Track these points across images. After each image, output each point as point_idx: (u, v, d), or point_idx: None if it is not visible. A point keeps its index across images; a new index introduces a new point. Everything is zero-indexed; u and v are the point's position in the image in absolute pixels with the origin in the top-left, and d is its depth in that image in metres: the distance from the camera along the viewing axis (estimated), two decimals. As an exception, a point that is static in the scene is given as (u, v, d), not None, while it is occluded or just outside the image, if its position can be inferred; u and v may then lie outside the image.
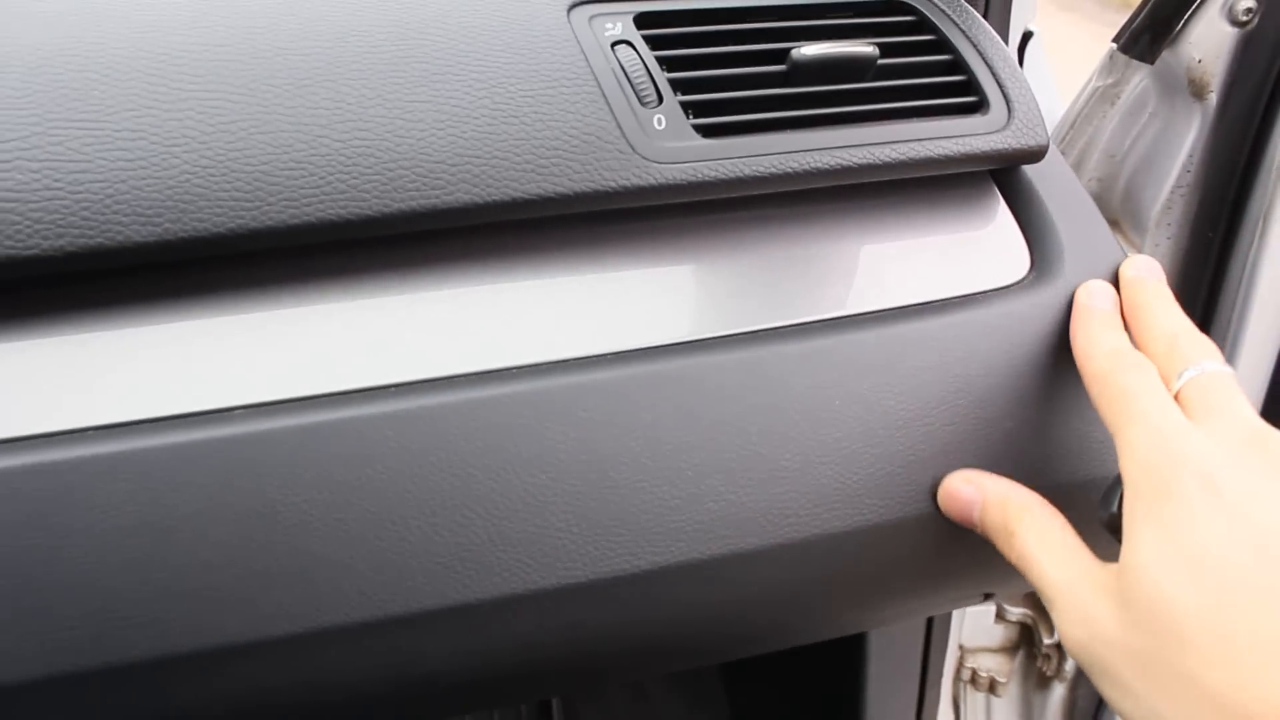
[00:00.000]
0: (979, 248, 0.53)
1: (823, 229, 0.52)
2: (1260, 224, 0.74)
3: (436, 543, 0.42)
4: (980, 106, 0.52)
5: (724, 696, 1.09)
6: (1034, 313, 0.50)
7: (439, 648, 0.45)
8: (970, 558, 0.51)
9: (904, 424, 0.48)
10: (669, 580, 0.46)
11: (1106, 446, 0.52)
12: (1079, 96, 0.81)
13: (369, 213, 0.42)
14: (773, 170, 0.48)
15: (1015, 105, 0.52)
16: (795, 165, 0.48)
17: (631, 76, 0.48)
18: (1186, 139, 0.77)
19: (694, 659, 0.58)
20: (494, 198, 0.44)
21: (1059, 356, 0.50)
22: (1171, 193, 0.79)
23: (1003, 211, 0.54)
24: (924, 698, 0.96)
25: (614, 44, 0.49)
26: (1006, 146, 0.51)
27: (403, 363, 0.44)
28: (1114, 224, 0.85)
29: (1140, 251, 0.82)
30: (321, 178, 0.41)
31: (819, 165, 0.48)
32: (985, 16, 0.68)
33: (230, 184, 0.41)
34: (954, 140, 0.50)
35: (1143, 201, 0.81)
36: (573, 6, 0.49)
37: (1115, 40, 0.76)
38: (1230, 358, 0.79)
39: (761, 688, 1.07)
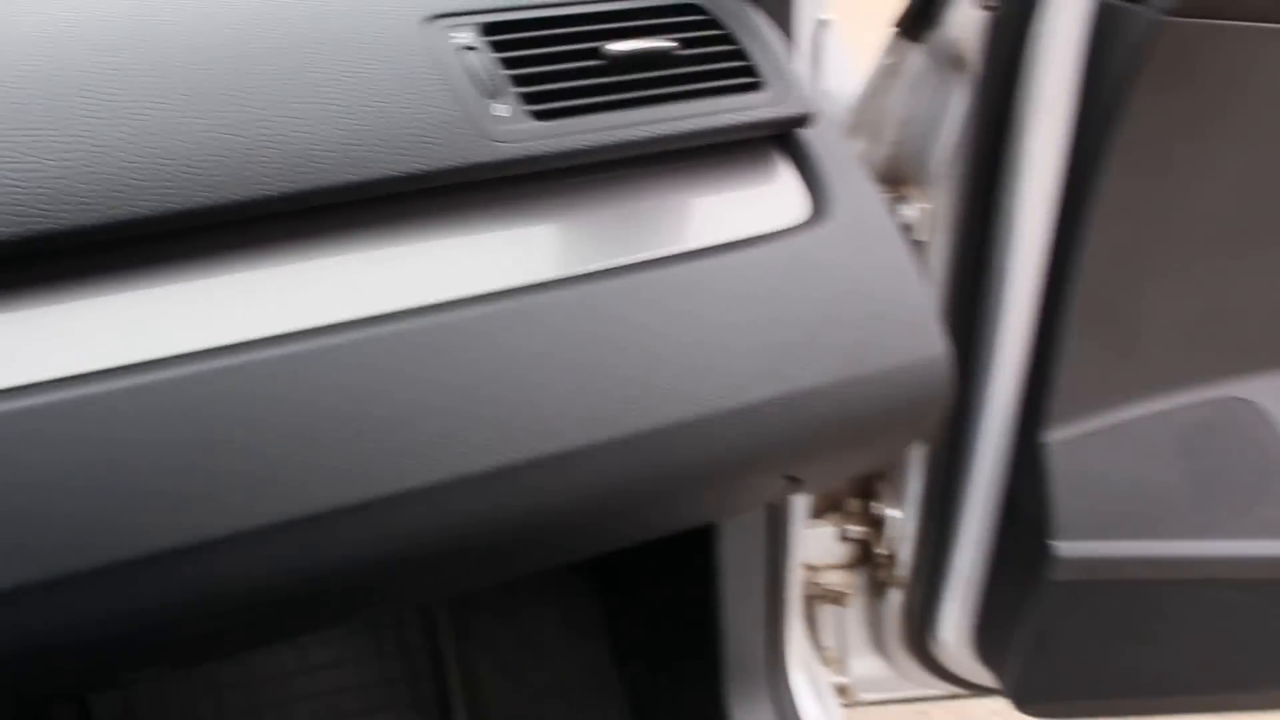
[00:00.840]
0: (771, 198, 0.69)
1: (642, 191, 0.66)
2: (1016, 170, 0.91)
3: (343, 445, 0.55)
4: (759, 86, 0.67)
5: (597, 607, 1.24)
6: (815, 243, 0.66)
7: (347, 544, 0.58)
8: (775, 441, 0.66)
9: (718, 330, 0.62)
10: (537, 471, 0.60)
11: (885, 341, 0.67)
12: (870, 74, 0.97)
13: (274, 192, 0.55)
14: (594, 144, 0.62)
15: (787, 83, 0.67)
16: (612, 139, 0.62)
17: (476, 73, 0.61)
18: (957, 104, 0.94)
19: (565, 547, 0.72)
20: (370, 176, 0.57)
21: (836, 273, 0.66)
22: (950, 150, 0.96)
23: (788, 168, 0.70)
24: (775, 597, 1.12)
25: (462, 48, 0.62)
26: (781, 115, 0.66)
27: (310, 310, 0.57)
28: (907, 180, 1.01)
29: (928, 202, 0.99)
30: (239, 164, 0.54)
31: (632, 138, 0.63)
32: (771, 12, 0.83)
33: (165, 170, 0.53)
34: (739, 112, 0.65)
35: (929, 160, 0.98)
36: (428, 19, 0.63)
37: (894, 25, 0.92)
38: (1001, 279, 0.96)
39: (626, 598, 1.21)
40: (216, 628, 0.59)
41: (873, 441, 0.72)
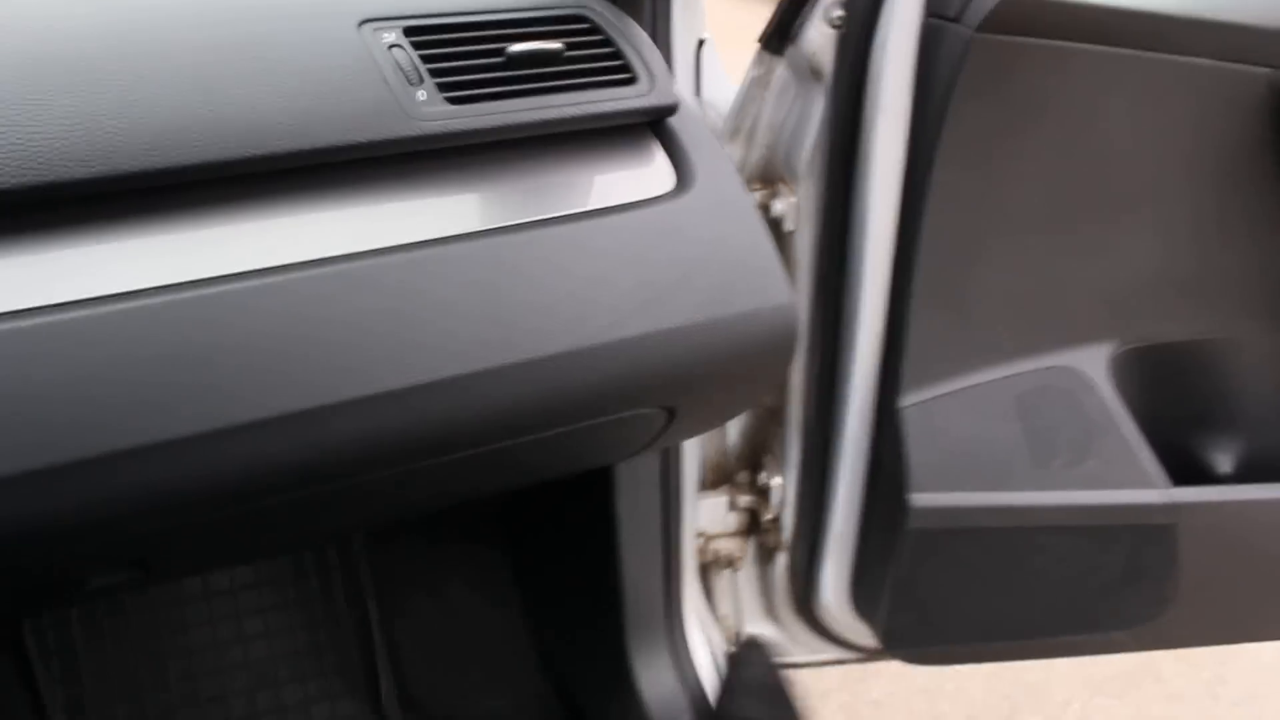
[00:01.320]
0: (643, 172, 0.85)
1: (537, 165, 0.82)
2: (866, 166, 1.09)
3: (289, 360, 0.69)
4: (633, 80, 0.84)
5: (511, 578, 1.38)
6: (679, 209, 0.83)
7: (285, 449, 0.72)
8: (649, 372, 0.82)
9: (598, 277, 0.78)
10: (449, 388, 0.74)
11: (739, 289, 0.83)
12: (741, 86, 1.15)
13: (241, 155, 0.70)
14: (497, 124, 0.78)
15: (656, 79, 0.84)
16: (512, 120, 0.78)
17: (402, 66, 0.77)
18: (816, 110, 1.11)
19: (476, 473, 0.87)
20: (319, 144, 0.72)
21: (696, 233, 0.82)
22: (812, 150, 1.13)
23: (659, 149, 0.86)
24: (670, 561, 1.26)
25: (390, 46, 0.78)
26: (650, 104, 0.83)
27: (264, 254, 0.72)
28: (778, 178, 1.19)
29: (796, 197, 1.16)
30: (213, 131, 0.69)
31: (527, 120, 0.79)
32: (653, 30, 0.99)
33: (136, 135, 0.68)
34: (615, 102, 0.82)
35: (795, 159, 1.15)
36: (361, 23, 0.78)
37: (760, 40, 1.10)
38: (859, 262, 1.13)
39: (536, 569, 1.35)
40: (163, 527, 0.72)
41: (735, 377, 0.88)
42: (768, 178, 1.18)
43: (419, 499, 0.92)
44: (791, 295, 0.86)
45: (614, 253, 0.80)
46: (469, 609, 1.41)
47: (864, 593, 1.31)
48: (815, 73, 1.10)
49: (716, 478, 1.39)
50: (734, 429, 1.38)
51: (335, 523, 0.89)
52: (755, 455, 1.37)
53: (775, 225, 1.19)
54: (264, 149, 0.71)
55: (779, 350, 0.87)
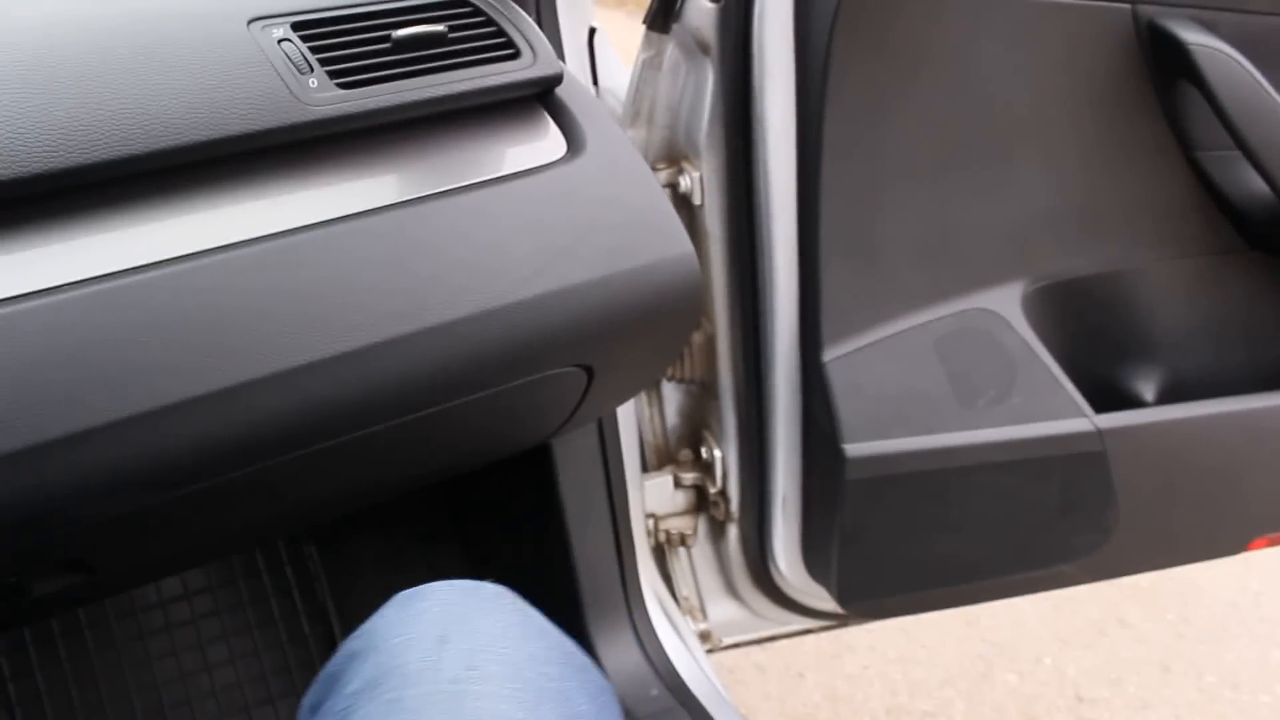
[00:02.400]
0: (535, 143, 0.90)
1: (433, 142, 0.87)
2: (763, 131, 1.15)
3: (210, 342, 0.74)
4: (517, 55, 0.89)
5: (458, 542, 1.41)
6: (571, 172, 0.88)
7: (219, 428, 0.76)
8: (560, 329, 0.87)
9: (500, 242, 0.83)
10: (361, 359, 0.79)
11: (638, 244, 0.88)
12: (634, 69, 1.21)
13: (141, 151, 0.74)
14: (388, 104, 0.83)
15: (538, 53, 0.90)
16: (402, 100, 0.84)
17: (291, 58, 0.82)
18: (708, 84, 1.17)
19: (407, 452, 0.91)
20: (219, 135, 0.77)
21: (591, 194, 0.87)
22: (709, 124, 1.19)
23: (549, 121, 0.92)
24: (621, 540, 1.30)
25: (279, 40, 0.83)
26: (535, 75, 0.89)
27: (173, 243, 0.76)
28: (684, 156, 1.24)
29: (700, 171, 1.22)
30: (111, 129, 0.74)
31: (417, 98, 0.84)
32: (538, 16, 1.05)
33: (32, 138, 0.72)
34: (501, 76, 0.87)
35: (695, 134, 1.21)
36: (250, 21, 0.83)
37: (645, 22, 1.16)
38: (768, 225, 1.18)
39: (489, 560, 1.39)
40: (95, 518, 0.75)
41: (645, 329, 0.93)
42: (672, 156, 1.24)
43: (358, 481, 0.96)
44: (689, 245, 0.91)
45: (512, 217, 0.85)
46: (405, 545, 1.43)
47: (815, 554, 1.36)
48: (703, 47, 1.16)
49: (660, 459, 1.44)
50: (671, 409, 1.43)
51: (275, 508, 0.93)
52: (695, 432, 1.42)
53: (684, 201, 1.25)
54: (163, 143, 0.75)
55: (684, 300, 0.92)
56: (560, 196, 0.87)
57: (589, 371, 0.94)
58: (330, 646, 1.41)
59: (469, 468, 1.12)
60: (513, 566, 1.39)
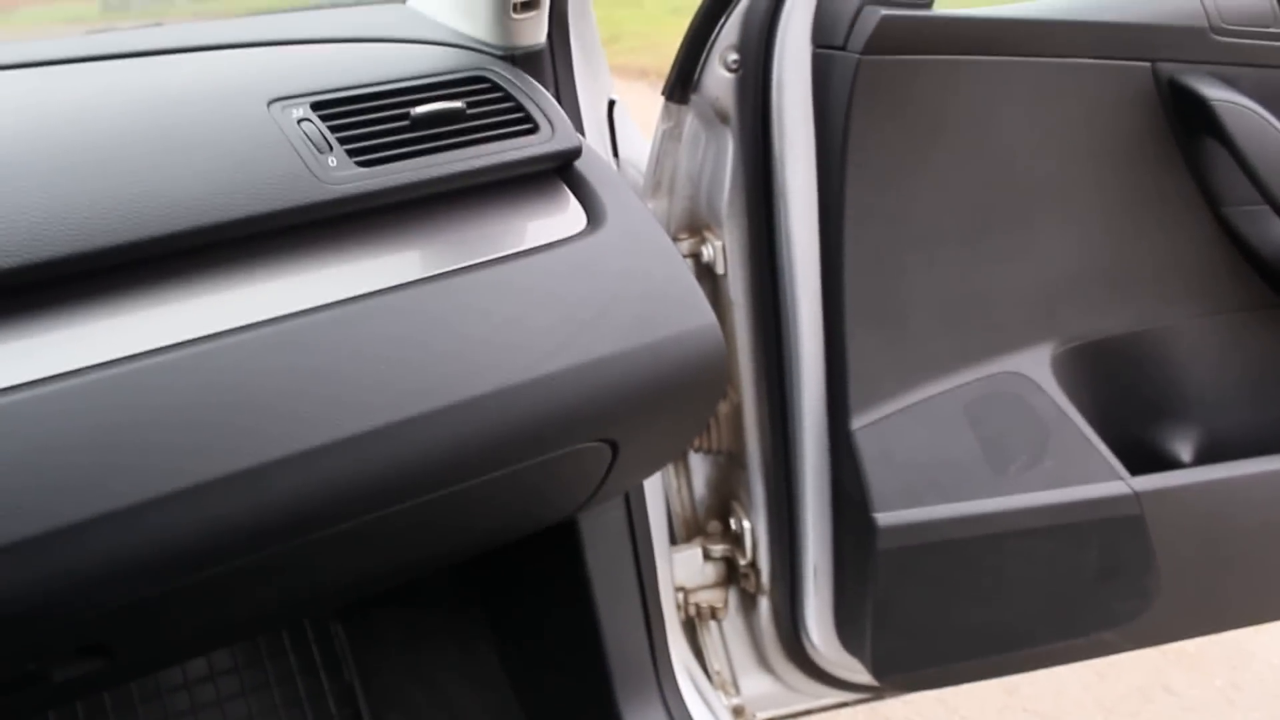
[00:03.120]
0: (555, 216, 0.90)
1: (453, 218, 0.88)
2: (784, 199, 1.14)
3: (231, 422, 0.73)
4: (535, 130, 0.90)
5: (495, 653, 1.39)
6: (592, 246, 0.88)
7: (240, 508, 0.75)
8: (583, 403, 0.86)
9: (520, 317, 0.83)
10: (385, 438, 0.78)
11: (660, 316, 0.88)
12: (654, 140, 1.21)
13: (163, 232, 0.75)
14: (407, 181, 0.84)
15: (556, 127, 0.90)
16: (421, 176, 0.84)
17: (311, 137, 0.83)
18: (728, 154, 1.17)
19: (431, 528, 0.90)
20: (240, 215, 0.78)
21: (612, 267, 0.87)
22: (730, 193, 1.19)
23: (568, 195, 0.92)
24: (651, 614, 1.28)
25: (299, 120, 0.84)
26: (553, 150, 0.89)
27: (196, 323, 0.76)
28: (705, 226, 1.24)
29: (722, 240, 1.22)
30: (133, 212, 0.74)
31: (436, 174, 0.84)
32: (557, 91, 1.06)
33: (58, 223, 0.73)
34: (520, 150, 0.87)
35: (716, 203, 1.21)
36: (270, 102, 0.84)
37: (663, 93, 1.17)
38: (792, 294, 1.18)
39: (519, 641, 1.37)
40: (116, 603, 0.74)
41: (668, 402, 0.92)
42: (694, 226, 1.24)
43: (382, 562, 0.95)
44: (712, 316, 0.91)
45: (533, 292, 0.85)
46: (456, 686, 1.41)
47: (848, 625, 1.33)
48: (722, 117, 1.16)
49: (688, 531, 1.42)
50: (699, 480, 1.41)
51: (297, 591, 0.92)
52: (723, 503, 1.40)
53: (707, 270, 1.24)
54: (184, 225, 0.76)
55: (708, 371, 0.91)
56: (581, 270, 0.87)
57: (613, 446, 0.93)
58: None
59: (494, 544, 1.10)
60: (541, 642, 1.37)
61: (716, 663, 1.47)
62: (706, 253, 1.23)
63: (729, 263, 1.22)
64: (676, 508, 1.42)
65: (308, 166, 0.81)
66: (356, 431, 0.77)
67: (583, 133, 1.07)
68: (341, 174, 0.82)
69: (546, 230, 0.89)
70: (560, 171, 0.93)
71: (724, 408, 1.32)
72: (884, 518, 1.20)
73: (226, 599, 0.85)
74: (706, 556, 1.39)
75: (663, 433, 0.98)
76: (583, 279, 0.87)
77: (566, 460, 0.91)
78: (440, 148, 0.86)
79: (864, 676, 1.38)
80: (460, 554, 1.11)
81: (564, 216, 0.91)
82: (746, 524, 1.35)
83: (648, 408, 0.91)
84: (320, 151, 0.82)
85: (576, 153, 0.91)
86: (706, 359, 0.91)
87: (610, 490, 1.04)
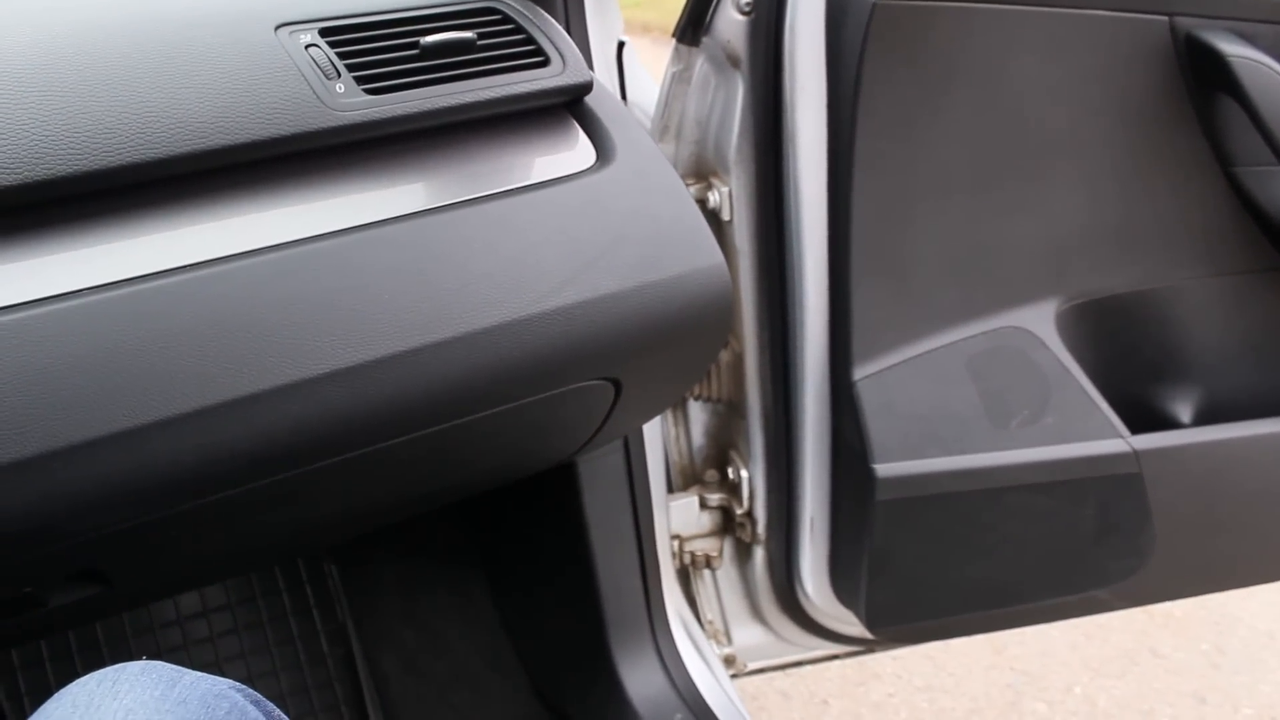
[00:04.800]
0: (564, 152, 0.89)
1: (459, 152, 0.86)
2: (793, 145, 1.13)
3: (242, 346, 0.72)
4: (546, 63, 0.88)
5: (487, 595, 1.39)
6: (600, 182, 0.86)
7: (241, 434, 0.74)
8: (587, 340, 0.85)
9: (528, 251, 0.82)
10: (390, 367, 0.77)
11: (668, 254, 0.87)
12: (663, 84, 1.19)
13: (169, 154, 0.73)
14: (414, 110, 0.82)
15: (568, 60, 0.88)
16: (428, 106, 0.82)
17: (319, 63, 0.81)
18: (738, 98, 1.16)
19: (434, 463, 0.89)
20: (237, 140, 0.76)
21: (620, 204, 0.86)
22: (739, 138, 1.18)
23: (578, 130, 0.90)
24: (647, 561, 1.28)
25: (307, 46, 0.82)
26: (564, 84, 0.87)
27: (200, 249, 0.75)
28: (712, 171, 1.23)
29: (729, 186, 1.20)
30: (140, 133, 0.73)
31: (444, 105, 0.83)
32: (567, 27, 1.04)
33: (61, 141, 0.71)
34: (530, 83, 0.86)
35: (724, 148, 1.20)
36: (278, 26, 0.82)
37: (674, 34, 1.15)
38: (798, 241, 1.16)
39: (511, 582, 1.37)
40: (114, 527, 0.73)
41: (673, 342, 0.91)
42: (700, 172, 1.23)
43: (381, 496, 0.95)
44: (719, 256, 0.90)
45: (540, 227, 0.83)
46: (450, 631, 1.41)
47: (843, 577, 1.33)
48: (733, 60, 1.14)
49: (685, 479, 1.42)
50: (697, 428, 1.41)
51: (294, 523, 0.91)
52: (721, 452, 1.40)
53: (713, 217, 1.23)
54: (188, 147, 0.74)
55: (713, 312, 0.91)
56: (589, 206, 0.86)
57: (616, 385, 0.92)
58: (349, 668, 1.39)
59: (493, 484, 1.10)
60: (535, 588, 1.36)
61: (709, 612, 1.47)
62: (713, 199, 1.22)
63: (735, 209, 1.21)
64: (674, 456, 1.41)
65: (315, 93, 0.80)
66: (357, 362, 0.76)
67: (592, 70, 1.05)
68: (349, 101, 0.80)
69: (555, 165, 0.88)
70: (570, 106, 0.91)
71: (725, 356, 1.31)
72: (883, 469, 1.19)
73: (224, 529, 0.85)
74: (703, 505, 1.39)
75: (666, 374, 0.97)
76: (590, 215, 0.86)
77: (569, 398, 0.91)
78: (449, 78, 0.84)
79: (856, 629, 1.38)
80: (458, 492, 1.10)
81: (573, 152, 0.89)
82: (744, 473, 1.35)
83: (652, 347, 0.90)
84: (328, 78, 0.81)
85: (587, 87, 0.89)
86: (713, 299, 0.90)
87: (611, 431, 1.04)
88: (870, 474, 1.19)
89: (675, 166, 1.21)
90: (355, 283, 0.77)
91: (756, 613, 1.46)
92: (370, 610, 1.40)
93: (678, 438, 1.41)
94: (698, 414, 1.40)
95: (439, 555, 1.41)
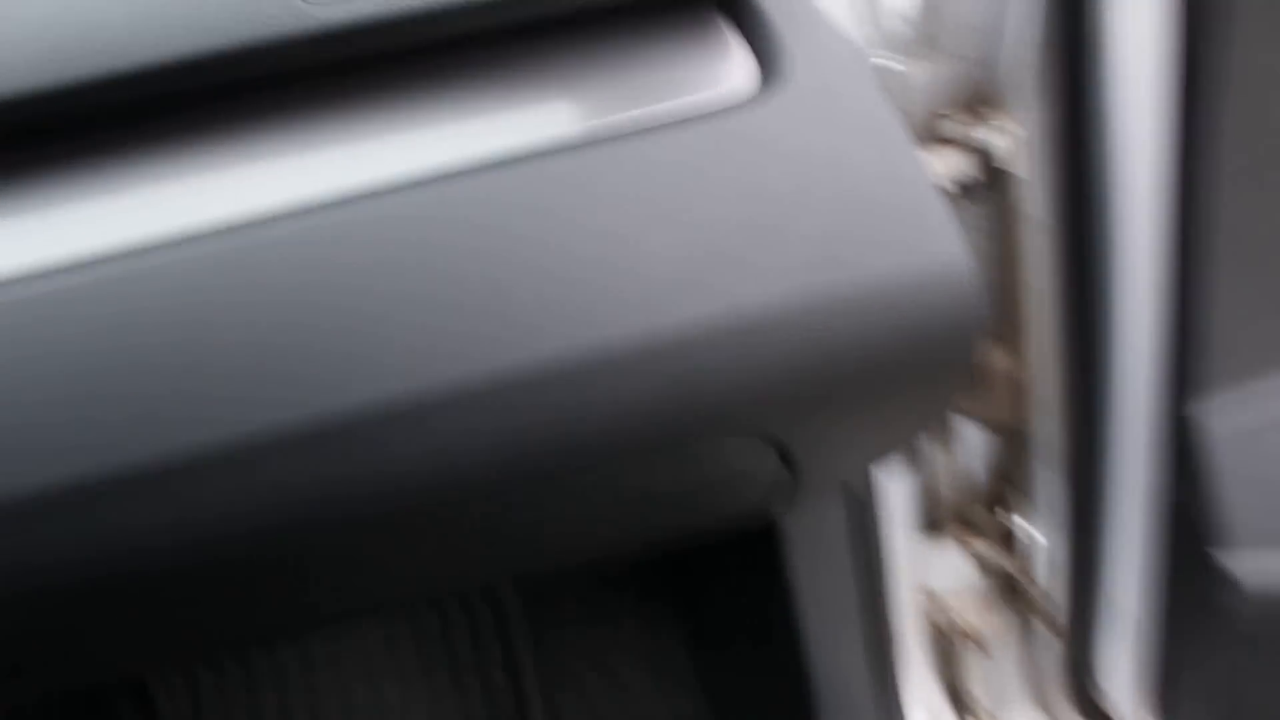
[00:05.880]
0: (710, 72, 0.56)
1: (538, 78, 0.55)
2: (1111, 70, 0.76)
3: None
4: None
5: (684, 653, 1.16)
6: (763, 122, 0.54)
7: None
8: (724, 381, 0.53)
9: (632, 238, 0.51)
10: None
11: (870, 244, 0.53)
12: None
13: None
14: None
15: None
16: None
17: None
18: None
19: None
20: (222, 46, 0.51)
21: (793, 160, 0.53)
22: (1035, 56, 0.81)
23: (727, 35, 0.57)
24: (875, 631, 0.97)
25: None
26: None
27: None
28: (990, 101, 0.86)
29: (1021, 128, 0.84)
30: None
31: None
32: None
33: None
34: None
35: (1015, 70, 0.84)
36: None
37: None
38: (1115, 216, 0.80)
39: (711, 642, 1.12)
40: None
41: (871, 389, 0.56)
42: (973, 103, 0.87)
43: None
44: (962, 245, 0.54)
45: (657, 198, 0.52)
46: (634, 676, 1.21)
47: (1169, 690, 0.98)
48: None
49: (943, 521, 1.09)
50: (969, 454, 1.07)
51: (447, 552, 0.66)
52: (996, 492, 1.06)
53: (996, 175, 0.87)
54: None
55: (948, 342, 0.55)
56: (742, 161, 0.53)
57: (783, 452, 0.59)
58: (522, 702, 1.19)
59: (662, 542, 0.84)
60: (735, 656, 1.10)
61: (975, 686, 1.15)
62: (995, 144, 0.85)
63: (1033, 162, 0.85)
64: (932, 488, 1.08)
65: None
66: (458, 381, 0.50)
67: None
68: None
69: (693, 95, 0.56)
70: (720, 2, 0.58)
71: (1002, 364, 0.95)
72: (1240, 560, 0.82)
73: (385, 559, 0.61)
74: (967, 558, 1.06)
75: (858, 429, 0.62)
76: (743, 176, 0.53)
77: (703, 456, 0.59)
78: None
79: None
80: (615, 547, 0.84)
81: (721, 71, 0.56)
82: (1024, 525, 1.00)
83: (840, 396, 0.56)
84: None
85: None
86: (944, 321, 0.55)
87: (775, 506, 0.71)
88: (1218, 567, 0.82)
89: (935, 95, 0.86)
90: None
91: (1039, 698, 1.14)
92: (550, 645, 1.20)
93: (938, 466, 1.07)
94: (970, 435, 1.07)
95: (629, 596, 1.19)
